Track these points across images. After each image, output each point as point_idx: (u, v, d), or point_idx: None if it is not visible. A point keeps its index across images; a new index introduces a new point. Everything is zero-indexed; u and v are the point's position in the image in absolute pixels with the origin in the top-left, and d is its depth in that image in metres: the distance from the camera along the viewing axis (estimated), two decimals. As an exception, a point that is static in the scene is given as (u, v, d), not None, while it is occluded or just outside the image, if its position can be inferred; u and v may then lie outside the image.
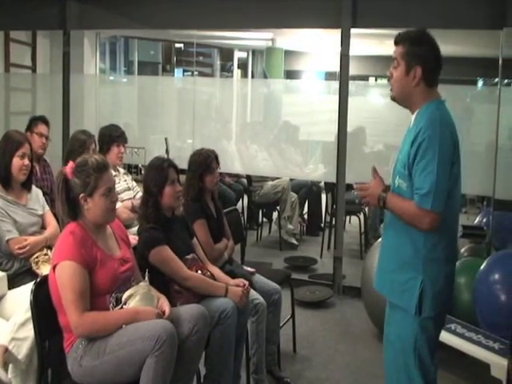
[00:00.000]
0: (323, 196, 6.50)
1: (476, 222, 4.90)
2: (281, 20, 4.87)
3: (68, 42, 5.43)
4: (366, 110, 5.14)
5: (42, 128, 3.93)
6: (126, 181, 3.90)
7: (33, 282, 2.26)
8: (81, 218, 2.27)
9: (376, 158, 5.13)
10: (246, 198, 6.34)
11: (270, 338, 3.18)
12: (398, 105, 2.20)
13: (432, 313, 2.09)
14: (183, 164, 3.26)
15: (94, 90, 5.72)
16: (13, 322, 2.48)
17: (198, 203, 3.15)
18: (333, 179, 4.80)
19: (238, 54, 9.24)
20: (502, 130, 4.12)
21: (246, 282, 2.81)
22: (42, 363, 2.23)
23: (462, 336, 3.21)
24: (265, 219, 6.57)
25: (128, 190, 3.84)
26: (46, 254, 2.93)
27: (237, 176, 6.54)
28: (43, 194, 3.25)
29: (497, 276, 3.28)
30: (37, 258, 2.91)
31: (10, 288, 2.77)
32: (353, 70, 4.66)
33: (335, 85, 4.74)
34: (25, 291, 2.40)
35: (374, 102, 5.32)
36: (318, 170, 5.39)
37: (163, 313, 2.28)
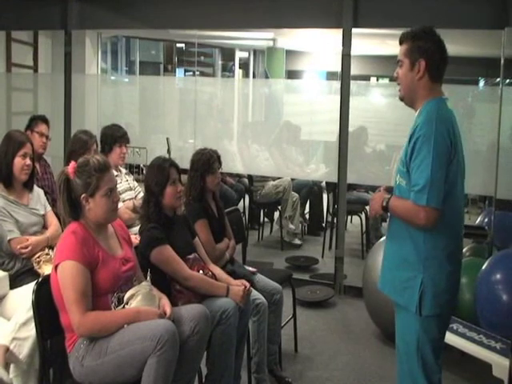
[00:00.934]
0: (324, 196, 6.50)
1: (478, 221, 4.89)
2: (282, 20, 4.86)
3: (69, 41, 5.43)
4: (367, 109, 5.13)
5: (42, 127, 3.93)
6: (127, 181, 3.90)
7: (34, 282, 2.27)
8: (82, 218, 2.27)
9: (377, 158, 5.14)
10: (247, 197, 6.34)
11: (272, 338, 3.18)
12: (406, 105, 2.21)
13: (433, 311, 2.09)
14: (184, 164, 3.26)
15: (96, 90, 5.72)
16: (14, 321, 2.48)
17: (199, 203, 3.15)
18: (334, 179, 4.80)
19: (239, 54, 9.23)
20: (503, 129, 4.11)
21: (248, 284, 2.81)
22: (43, 363, 2.23)
23: (463, 336, 3.20)
24: (266, 219, 6.58)
25: (130, 190, 3.84)
26: (47, 254, 2.94)
27: (238, 176, 6.54)
28: (44, 194, 3.25)
29: (498, 276, 3.27)
30: (38, 257, 2.91)
31: (11, 288, 2.77)
32: (354, 69, 4.66)
33: (337, 85, 4.73)
34: (26, 291, 2.41)
35: (375, 102, 5.31)
36: (320, 170, 5.38)
37: (165, 313, 2.28)
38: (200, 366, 2.47)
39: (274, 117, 5.87)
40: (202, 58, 10.48)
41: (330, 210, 6.00)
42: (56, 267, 2.16)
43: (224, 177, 5.84)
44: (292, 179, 6.05)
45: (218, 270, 2.88)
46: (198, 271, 2.70)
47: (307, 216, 6.63)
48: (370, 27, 4.83)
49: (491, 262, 3.40)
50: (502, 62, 4.11)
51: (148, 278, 2.45)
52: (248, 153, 5.52)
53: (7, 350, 2.45)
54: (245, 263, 3.60)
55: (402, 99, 2.21)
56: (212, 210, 3.23)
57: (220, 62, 10.17)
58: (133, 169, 4.85)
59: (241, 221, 4.02)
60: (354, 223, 6.35)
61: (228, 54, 9.80)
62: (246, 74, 9.62)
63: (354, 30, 4.51)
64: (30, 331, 2.38)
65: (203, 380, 2.61)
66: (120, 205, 3.26)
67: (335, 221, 5.15)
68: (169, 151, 4.89)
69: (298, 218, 6.11)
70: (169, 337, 2.11)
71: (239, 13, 4.90)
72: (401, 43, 2.17)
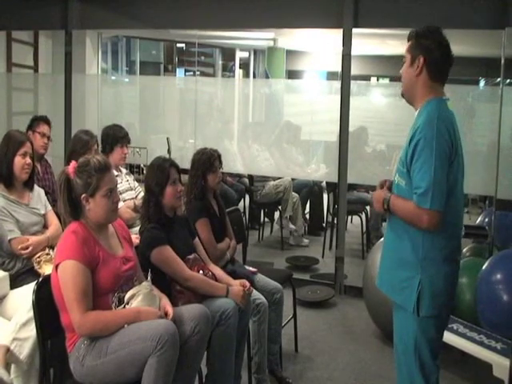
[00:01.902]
0: (325, 196, 6.50)
1: (478, 221, 4.89)
2: (282, 20, 4.86)
3: (70, 41, 5.43)
4: (367, 109, 5.13)
5: (43, 128, 3.94)
6: (128, 181, 3.90)
7: (35, 282, 2.27)
8: (83, 218, 2.27)
9: (378, 158, 5.13)
10: (247, 197, 6.34)
11: (273, 338, 3.18)
12: (406, 102, 2.21)
13: (430, 312, 2.09)
14: (185, 164, 3.26)
15: (96, 90, 5.72)
16: (15, 321, 2.48)
17: (201, 202, 3.15)
18: (334, 179, 4.79)
19: (239, 54, 9.23)
20: (504, 129, 4.11)
21: (248, 284, 2.81)
22: (43, 363, 2.23)
23: (463, 336, 3.20)
24: (266, 219, 6.58)
25: (130, 190, 3.84)
26: (48, 254, 2.93)
27: (238, 176, 6.54)
28: (45, 194, 3.25)
29: (499, 276, 3.27)
30: (39, 257, 2.91)
31: (12, 288, 2.77)
32: (354, 69, 4.66)
33: (337, 85, 4.73)
34: (27, 291, 2.41)
35: (375, 102, 5.31)
36: (320, 170, 5.38)
37: (166, 313, 2.28)
38: (200, 366, 2.47)
39: (275, 117, 5.87)
40: (203, 57, 10.48)
41: (331, 210, 6.00)
42: (57, 267, 2.16)
43: (224, 177, 5.84)
44: (292, 179, 6.05)
45: (218, 271, 2.88)
46: (198, 271, 2.70)
47: (307, 216, 6.63)
48: (370, 27, 4.83)
49: (491, 262, 3.40)
50: (503, 61, 4.11)
51: (149, 278, 2.45)
52: (248, 153, 5.52)
53: (8, 350, 2.44)
54: (245, 263, 3.60)
55: (402, 95, 2.23)
56: (213, 209, 3.23)
57: (220, 62, 10.17)
58: (133, 169, 4.86)
59: (241, 221, 4.02)
60: (355, 223, 6.35)
61: (228, 53, 9.80)
62: (246, 74, 9.62)
63: (354, 30, 4.51)
64: (31, 331, 2.38)
65: (203, 380, 2.61)
66: (121, 204, 3.26)
67: (335, 221, 5.15)
68: (169, 151, 4.89)
69: (301, 220, 6.12)
70: (169, 337, 2.11)
71: (239, 13, 4.90)
72: (408, 41, 2.19)
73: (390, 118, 4.85)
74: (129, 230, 2.65)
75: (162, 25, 5.37)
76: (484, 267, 3.37)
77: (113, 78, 8.50)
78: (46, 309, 2.19)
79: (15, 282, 2.82)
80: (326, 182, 6.12)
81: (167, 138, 5.02)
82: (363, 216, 5.84)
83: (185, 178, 3.08)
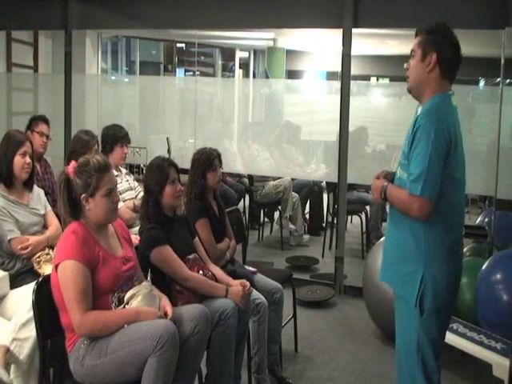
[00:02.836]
0: (325, 196, 6.50)
1: (478, 221, 4.89)
2: (282, 20, 4.86)
3: (70, 41, 5.43)
4: (367, 109, 5.14)
5: (42, 127, 3.93)
6: (127, 181, 3.90)
7: (35, 282, 2.27)
8: (83, 218, 2.27)
9: (377, 158, 5.13)
10: (247, 197, 6.34)
11: (273, 338, 3.18)
12: (412, 97, 2.20)
13: (432, 306, 2.08)
14: (185, 164, 3.26)
15: (96, 90, 5.72)
16: (14, 322, 2.48)
17: (200, 201, 3.15)
18: (334, 179, 4.79)
19: (239, 54, 9.23)
20: (503, 129, 4.11)
21: (248, 284, 2.81)
22: (43, 363, 2.23)
23: (463, 336, 3.20)
24: (266, 219, 6.58)
25: (130, 190, 3.84)
26: (47, 254, 2.93)
27: (238, 176, 6.54)
28: (45, 194, 3.25)
29: (499, 276, 3.27)
30: (39, 257, 2.91)
31: (11, 288, 2.77)
32: (354, 69, 4.66)
33: (337, 84, 4.73)
34: (27, 291, 2.41)
35: (375, 102, 5.31)
36: (320, 170, 5.38)
37: (166, 313, 2.28)
38: (200, 366, 2.47)
39: (275, 117, 5.87)
40: (203, 57, 10.48)
41: (331, 210, 6.00)
42: (56, 267, 2.16)
43: (224, 177, 5.84)
44: (292, 179, 6.05)
45: (217, 271, 2.88)
46: (198, 271, 2.70)
47: (307, 216, 6.63)
48: (370, 27, 4.83)
49: (491, 262, 3.40)
50: (503, 62, 4.11)
51: (148, 278, 2.45)
52: (248, 153, 5.52)
53: (7, 350, 2.44)
54: (245, 263, 3.60)
55: (409, 91, 2.20)
56: (213, 209, 3.23)
57: (220, 62, 10.17)
58: (133, 169, 4.86)
59: (241, 221, 4.02)
60: (354, 223, 6.35)
61: (228, 53, 9.80)
62: (246, 74, 9.62)
63: (354, 30, 4.51)
64: (31, 331, 2.38)
65: (203, 380, 2.61)
66: (120, 204, 3.26)
67: (335, 221, 5.15)
68: (169, 151, 4.89)
69: (301, 220, 6.12)
70: (169, 337, 2.11)
71: (239, 13, 4.90)
72: (415, 36, 2.17)
73: (389, 118, 4.85)
74: (129, 230, 2.65)
75: (162, 25, 5.37)
76: (484, 267, 3.37)
77: (113, 78, 8.49)
78: (45, 309, 2.19)
79: (15, 281, 2.82)
80: (326, 182, 6.12)
81: (167, 138, 5.02)
82: (363, 216, 5.84)
83: (184, 178, 3.08)
